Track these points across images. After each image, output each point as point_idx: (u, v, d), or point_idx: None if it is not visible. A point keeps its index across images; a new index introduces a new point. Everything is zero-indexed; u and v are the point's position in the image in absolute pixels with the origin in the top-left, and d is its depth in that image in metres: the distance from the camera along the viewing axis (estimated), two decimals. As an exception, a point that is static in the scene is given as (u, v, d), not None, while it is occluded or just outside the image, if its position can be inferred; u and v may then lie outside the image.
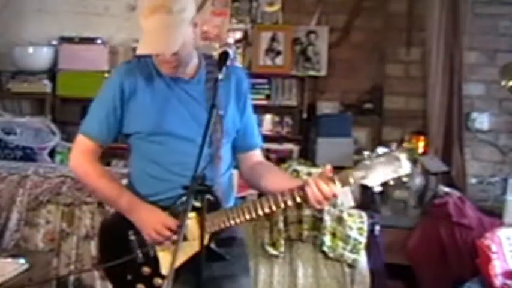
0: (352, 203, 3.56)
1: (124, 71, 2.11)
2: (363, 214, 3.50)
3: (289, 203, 1.97)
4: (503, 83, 3.98)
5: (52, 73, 4.73)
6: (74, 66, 4.67)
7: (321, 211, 3.41)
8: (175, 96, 2.08)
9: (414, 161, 1.82)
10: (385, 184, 1.87)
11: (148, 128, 2.07)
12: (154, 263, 2.08)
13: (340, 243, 3.38)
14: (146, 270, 2.08)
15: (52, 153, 4.47)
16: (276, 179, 2.11)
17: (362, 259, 3.42)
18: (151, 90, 2.08)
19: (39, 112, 4.74)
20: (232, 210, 2.02)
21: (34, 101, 4.85)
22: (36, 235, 3.61)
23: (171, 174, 2.04)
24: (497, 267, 3.20)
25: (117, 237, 2.12)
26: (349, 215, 3.45)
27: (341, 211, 3.44)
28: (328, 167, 1.94)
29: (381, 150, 1.88)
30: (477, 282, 3.25)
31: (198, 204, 1.87)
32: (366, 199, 3.72)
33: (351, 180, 1.91)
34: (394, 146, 1.94)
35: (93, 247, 3.59)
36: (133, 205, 2.06)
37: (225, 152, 2.12)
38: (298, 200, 1.96)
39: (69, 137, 4.61)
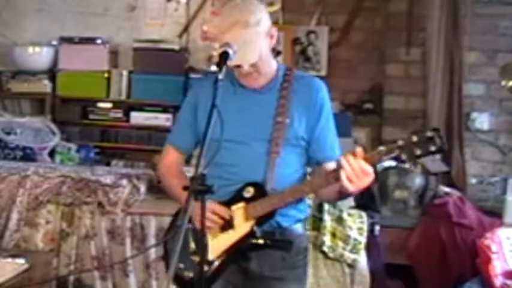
0: (352, 203, 3.56)
1: (200, 84, 2.34)
2: (363, 214, 3.50)
3: (324, 185, 2.04)
4: (503, 83, 3.99)
5: (52, 73, 4.72)
6: (74, 66, 4.66)
7: (321, 211, 3.41)
8: (240, 103, 2.20)
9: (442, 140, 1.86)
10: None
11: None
12: (203, 250, 2.19)
13: (340, 243, 3.38)
14: (196, 259, 2.19)
15: (52, 153, 4.46)
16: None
17: (362, 259, 3.42)
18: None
19: (39, 112, 4.73)
20: (275, 196, 2.11)
21: (34, 101, 4.84)
22: (36, 235, 3.61)
23: (228, 173, 2.18)
24: (497, 267, 3.21)
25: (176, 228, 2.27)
26: (349, 215, 3.45)
27: (341, 211, 3.44)
28: (359, 148, 1.94)
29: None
30: (477, 282, 3.25)
31: (247, 195, 2.13)
32: (366, 199, 3.72)
33: (384, 158, 1.92)
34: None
35: (93, 247, 3.59)
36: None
37: (290, 158, 2.19)
38: (331, 180, 1.99)
39: (69, 137, 4.61)
